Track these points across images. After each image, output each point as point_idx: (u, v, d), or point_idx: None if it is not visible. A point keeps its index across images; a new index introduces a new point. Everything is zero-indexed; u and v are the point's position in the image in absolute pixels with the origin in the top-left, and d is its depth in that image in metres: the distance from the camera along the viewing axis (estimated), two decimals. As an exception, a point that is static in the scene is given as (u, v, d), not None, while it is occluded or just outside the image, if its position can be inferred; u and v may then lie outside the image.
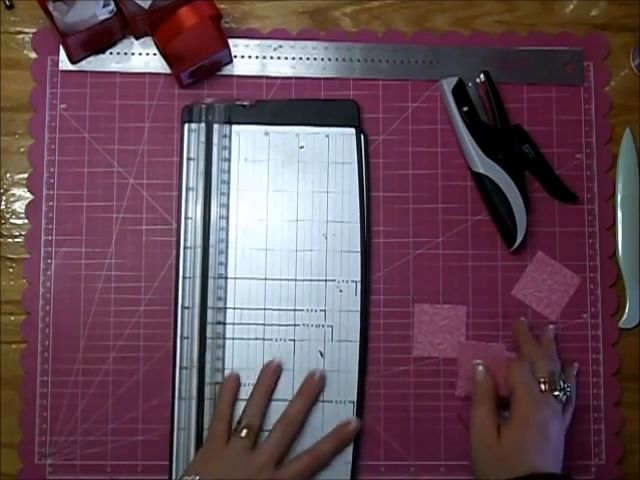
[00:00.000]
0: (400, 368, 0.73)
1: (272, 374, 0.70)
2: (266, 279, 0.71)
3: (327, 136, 0.73)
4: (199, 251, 0.71)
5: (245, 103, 0.70)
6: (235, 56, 0.75)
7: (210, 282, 0.71)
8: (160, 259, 0.73)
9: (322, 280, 0.71)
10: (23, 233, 0.73)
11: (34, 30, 0.75)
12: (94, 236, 0.73)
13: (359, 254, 0.72)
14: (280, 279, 0.71)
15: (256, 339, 0.70)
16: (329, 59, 0.76)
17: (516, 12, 0.78)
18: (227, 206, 0.72)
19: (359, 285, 0.71)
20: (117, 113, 0.74)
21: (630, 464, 0.73)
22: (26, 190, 0.74)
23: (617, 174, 0.76)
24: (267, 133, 0.72)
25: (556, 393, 0.66)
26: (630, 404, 0.74)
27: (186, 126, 0.73)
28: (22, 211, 0.74)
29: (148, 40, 0.74)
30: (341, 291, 0.71)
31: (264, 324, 0.71)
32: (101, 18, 0.69)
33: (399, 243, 0.74)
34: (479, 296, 0.74)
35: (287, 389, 0.70)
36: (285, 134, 0.73)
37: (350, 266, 0.72)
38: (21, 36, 0.75)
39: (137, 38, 0.75)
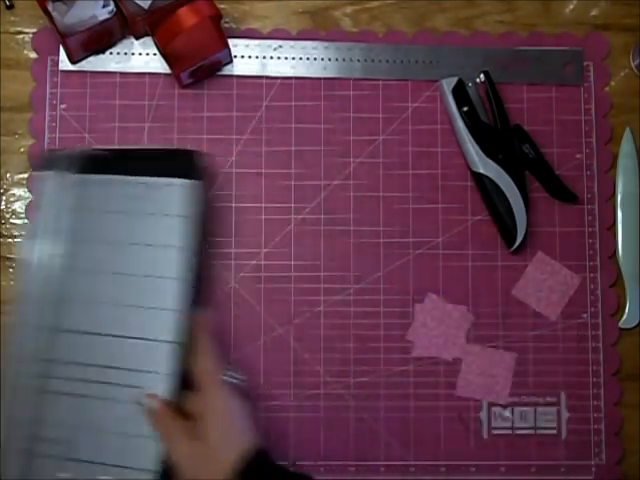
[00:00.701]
0: (400, 368, 0.73)
1: None
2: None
3: (164, 187, 0.66)
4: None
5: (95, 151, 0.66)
6: (235, 56, 0.75)
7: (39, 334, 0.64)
8: (160, 259, 0.73)
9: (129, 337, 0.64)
10: (23, 233, 0.73)
11: (34, 30, 0.75)
12: (94, 236, 0.73)
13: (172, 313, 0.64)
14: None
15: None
16: (329, 59, 0.76)
17: (516, 12, 0.78)
18: (65, 255, 0.65)
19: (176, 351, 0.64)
20: (117, 113, 0.74)
21: (630, 464, 0.73)
22: (26, 190, 0.74)
23: (617, 174, 0.76)
24: (109, 182, 0.66)
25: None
26: (630, 404, 0.74)
27: (39, 174, 0.67)
28: (22, 211, 0.74)
29: (148, 40, 0.74)
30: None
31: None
32: (101, 18, 0.69)
33: (399, 243, 0.74)
34: (479, 296, 0.74)
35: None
36: (125, 184, 0.66)
37: (162, 324, 0.64)
38: (21, 36, 0.76)
39: (137, 38, 0.75)
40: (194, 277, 0.65)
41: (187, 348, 0.63)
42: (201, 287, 0.68)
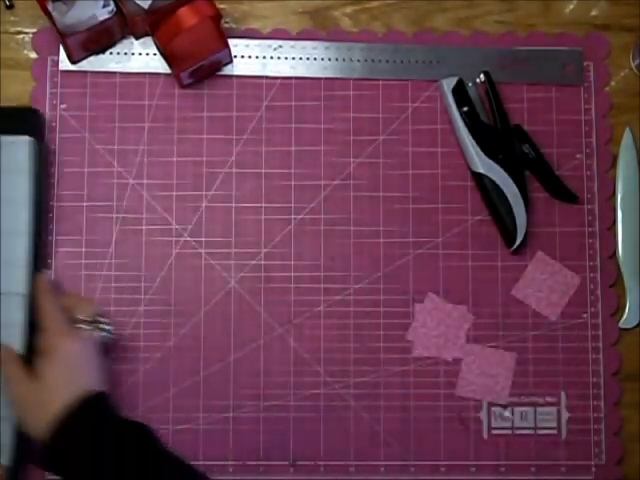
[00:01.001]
0: (400, 368, 0.73)
1: None
2: None
3: (8, 144, 0.69)
4: None
5: None
6: (235, 56, 0.75)
7: None
8: (160, 259, 0.73)
9: None
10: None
11: (34, 30, 0.75)
12: (94, 236, 0.73)
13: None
14: None
15: None
16: (329, 59, 0.76)
17: (516, 12, 0.78)
18: None
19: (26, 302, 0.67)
20: (117, 113, 0.74)
21: (630, 464, 0.73)
22: (26, 190, 0.74)
23: (617, 174, 0.76)
24: None
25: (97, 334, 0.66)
26: (630, 404, 0.74)
27: None
28: (22, 211, 0.74)
29: (148, 40, 0.74)
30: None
31: None
32: (101, 18, 0.69)
33: (399, 243, 0.74)
34: (479, 296, 0.74)
35: None
36: None
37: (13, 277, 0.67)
38: (21, 36, 0.76)
39: (137, 38, 0.75)
40: (38, 233, 0.69)
41: (34, 299, 0.67)
42: (41, 242, 0.71)
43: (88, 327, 0.66)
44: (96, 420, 0.61)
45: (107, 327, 0.68)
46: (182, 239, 0.73)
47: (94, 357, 0.65)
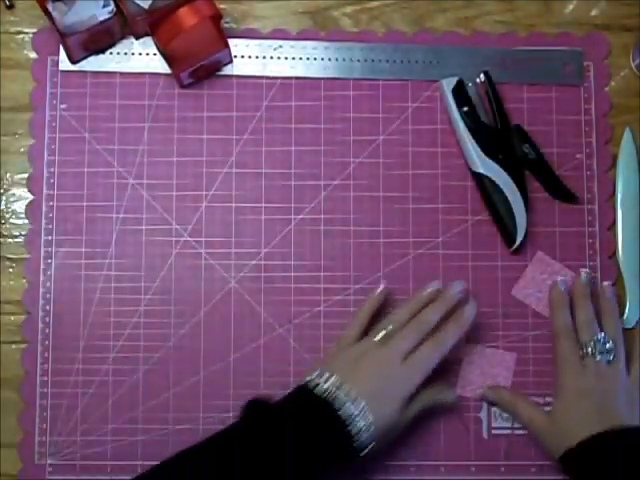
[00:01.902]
0: (400, 368, 0.73)
1: (429, 294, 0.69)
2: None
3: None
4: None
5: None
6: (235, 56, 0.75)
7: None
8: (160, 259, 0.73)
9: None
10: (23, 233, 0.73)
11: (34, 30, 0.75)
12: (94, 236, 0.73)
13: None
14: None
15: None
16: (329, 59, 0.76)
17: (516, 12, 0.78)
18: None
19: None
20: (117, 113, 0.74)
21: (630, 464, 0.73)
22: (26, 190, 0.74)
23: (617, 174, 0.76)
24: None
25: (597, 359, 0.68)
26: (630, 404, 0.74)
27: None
28: (22, 211, 0.74)
29: (148, 40, 0.74)
30: None
31: None
32: (101, 18, 0.69)
33: (399, 243, 0.74)
34: (479, 296, 0.74)
35: None
36: None
37: None
38: (21, 36, 0.76)
39: (137, 38, 0.75)
40: None
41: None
42: None
43: (586, 353, 0.68)
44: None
45: (604, 345, 0.68)
46: (182, 239, 0.73)
47: (599, 382, 0.67)
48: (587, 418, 0.66)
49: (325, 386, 0.62)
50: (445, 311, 0.68)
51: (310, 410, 0.61)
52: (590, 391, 0.67)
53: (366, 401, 0.61)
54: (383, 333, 0.66)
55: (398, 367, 0.64)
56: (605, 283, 0.73)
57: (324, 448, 0.60)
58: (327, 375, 0.62)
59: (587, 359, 0.68)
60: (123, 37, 0.74)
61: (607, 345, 0.68)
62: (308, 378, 0.63)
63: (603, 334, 0.68)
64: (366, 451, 0.62)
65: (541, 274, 0.74)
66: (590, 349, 0.68)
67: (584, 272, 0.72)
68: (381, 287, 0.71)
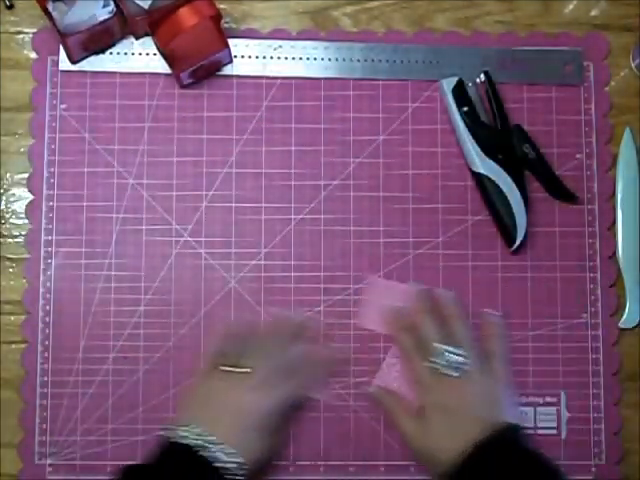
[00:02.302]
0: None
1: (291, 327, 0.71)
2: None
3: None
4: None
5: None
6: (235, 56, 0.75)
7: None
8: (160, 259, 0.73)
9: None
10: (23, 233, 0.73)
11: (34, 30, 0.75)
12: (94, 236, 0.73)
13: None
14: None
15: None
16: (329, 59, 0.76)
17: (516, 12, 0.78)
18: None
19: None
20: (117, 113, 0.74)
21: (630, 464, 0.73)
22: (26, 190, 0.74)
23: (617, 174, 0.76)
24: None
25: (450, 372, 0.67)
26: (630, 404, 0.74)
27: None
28: (22, 211, 0.74)
29: (148, 40, 0.74)
30: None
31: None
32: (101, 18, 0.69)
33: (399, 243, 0.74)
34: (479, 296, 0.74)
35: None
36: None
37: None
38: (21, 36, 0.76)
39: (137, 38, 0.75)
40: None
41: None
42: None
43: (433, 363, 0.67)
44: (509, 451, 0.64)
45: (453, 359, 0.67)
46: (182, 239, 0.73)
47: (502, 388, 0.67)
48: (455, 434, 0.64)
49: (192, 439, 0.62)
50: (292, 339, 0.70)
51: (184, 465, 0.62)
52: (452, 406, 0.66)
53: (235, 446, 0.62)
54: (230, 369, 0.67)
55: (245, 395, 0.65)
56: (444, 291, 0.72)
57: None
58: (192, 427, 0.63)
59: (440, 374, 0.67)
60: (123, 37, 0.74)
61: (457, 358, 0.67)
62: (176, 431, 0.63)
63: (451, 348, 0.67)
64: None
65: (378, 297, 0.73)
66: (442, 364, 0.67)
67: (415, 285, 0.72)
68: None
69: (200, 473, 0.61)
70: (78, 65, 0.74)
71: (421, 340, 0.69)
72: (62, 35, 0.69)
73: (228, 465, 0.62)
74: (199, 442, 0.62)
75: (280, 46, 0.76)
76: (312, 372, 0.71)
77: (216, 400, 0.65)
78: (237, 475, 0.62)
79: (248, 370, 0.66)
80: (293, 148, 0.75)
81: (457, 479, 0.63)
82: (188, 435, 0.62)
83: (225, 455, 0.62)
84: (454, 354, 0.67)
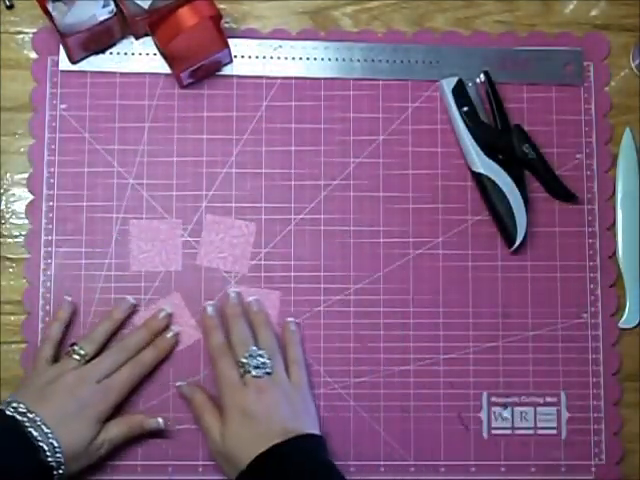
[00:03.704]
0: (400, 368, 0.73)
1: (123, 312, 0.71)
2: None
3: None
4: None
5: None
6: (235, 56, 0.75)
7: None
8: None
9: None
10: (23, 233, 0.73)
11: (34, 30, 0.75)
12: (94, 236, 0.73)
13: None
14: None
15: None
16: (329, 59, 0.76)
17: (516, 12, 0.78)
18: None
19: None
20: (117, 113, 0.74)
21: (630, 464, 0.73)
22: (26, 190, 0.74)
23: (617, 174, 0.76)
24: None
25: (253, 374, 0.66)
26: (630, 404, 0.74)
27: None
28: (22, 211, 0.74)
29: (148, 40, 0.74)
30: None
31: None
32: (101, 18, 0.69)
33: (399, 243, 0.74)
34: (479, 296, 0.74)
35: None
36: None
37: None
38: (21, 36, 0.76)
39: (137, 38, 0.75)
40: None
41: None
42: None
43: (243, 372, 0.67)
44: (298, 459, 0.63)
45: (258, 360, 0.67)
46: (182, 239, 0.73)
47: (260, 396, 0.66)
48: (254, 438, 0.64)
49: (10, 413, 0.62)
50: (148, 337, 0.70)
51: (6, 438, 0.62)
52: (253, 409, 0.65)
53: (53, 427, 0.62)
54: (77, 357, 0.67)
55: (92, 389, 0.66)
56: (251, 298, 0.72)
57: (16, 472, 0.61)
58: (15, 404, 0.63)
59: (246, 377, 0.66)
60: (123, 37, 0.74)
61: (262, 359, 0.67)
62: (5, 405, 0.63)
63: (255, 348, 0.67)
64: (60, 472, 0.63)
65: (216, 235, 0.73)
66: (246, 366, 0.66)
67: (232, 292, 0.72)
68: (66, 304, 0.71)
69: (19, 448, 0.61)
70: (78, 65, 0.74)
71: (231, 341, 0.69)
72: (62, 35, 0.69)
73: (43, 445, 0.62)
74: (19, 417, 0.62)
75: (280, 46, 0.76)
76: (145, 358, 0.70)
77: (57, 388, 0.65)
78: (51, 457, 0.62)
79: (81, 354, 0.67)
80: (293, 148, 0.75)
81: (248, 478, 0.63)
82: (12, 408, 0.63)
83: (40, 434, 0.62)
84: (262, 357, 0.67)
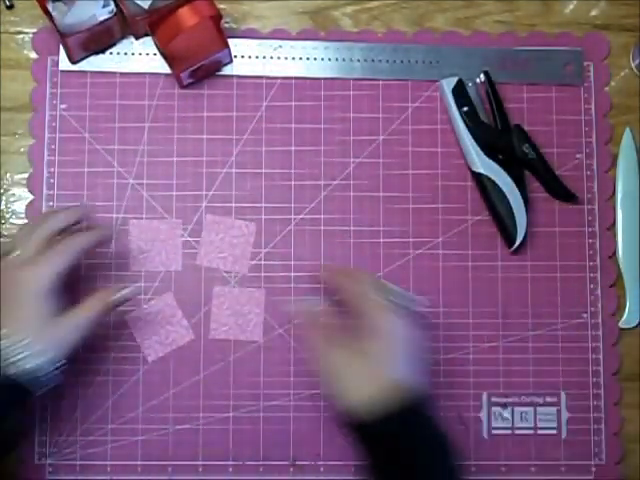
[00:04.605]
0: (400, 368, 0.73)
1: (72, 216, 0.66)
2: None
3: None
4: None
5: None
6: (235, 56, 0.75)
7: None
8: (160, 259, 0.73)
9: None
10: (23, 233, 0.73)
11: (34, 30, 0.75)
12: (94, 236, 0.73)
13: None
14: None
15: None
16: (329, 59, 0.76)
17: (516, 12, 0.78)
18: None
19: None
20: (117, 113, 0.74)
21: (630, 464, 0.73)
22: (26, 190, 0.74)
23: (617, 174, 0.76)
24: None
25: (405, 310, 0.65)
26: (630, 404, 0.74)
27: None
28: (22, 211, 0.74)
29: (148, 40, 0.74)
30: None
31: None
32: (101, 18, 0.69)
33: (399, 243, 0.74)
34: (479, 296, 0.74)
35: None
36: None
37: None
38: (21, 36, 0.76)
39: (137, 38, 0.75)
40: None
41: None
42: None
43: (399, 303, 0.64)
44: (418, 421, 0.61)
45: (409, 299, 0.66)
46: (182, 239, 0.73)
47: (414, 335, 0.63)
48: (408, 367, 0.62)
49: None
50: (65, 223, 0.65)
51: None
52: (410, 339, 0.62)
53: (22, 334, 0.59)
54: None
55: (18, 272, 0.61)
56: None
57: None
58: None
59: (397, 308, 0.64)
60: (123, 37, 0.74)
61: (411, 295, 0.66)
62: None
63: (401, 289, 0.66)
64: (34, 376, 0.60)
65: (216, 235, 0.73)
66: (399, 300, 0.64)
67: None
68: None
69: None
70: (78, 65, 0.74)
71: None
72: (62, 35, 0.69)
73: (20, 357, 0.59)
74: None
75: (280, 46, 0.76)
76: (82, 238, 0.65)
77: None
78: (11, 358, 0.59)
79: (17, 252, 0.63)
80: (293, 148, 0.75)
81: (371, 430, 0.60)
82: None
83: (18, 348, 0.59)
84: (407, 293, 0.66)
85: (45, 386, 0.61)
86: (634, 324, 0.75)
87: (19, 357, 0.59)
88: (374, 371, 0.62)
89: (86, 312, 0.63)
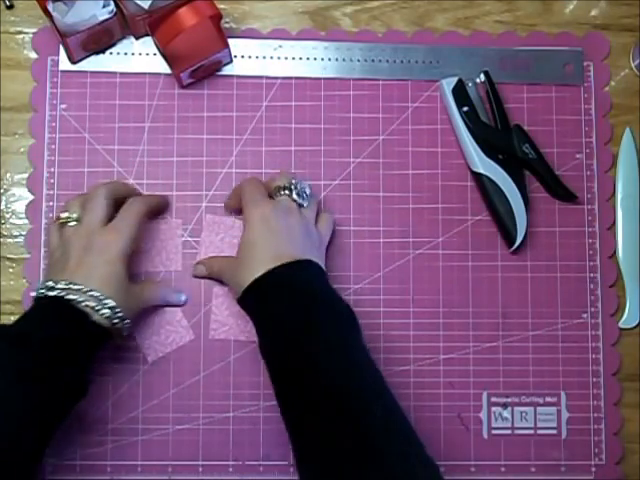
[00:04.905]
0: (400, 368, 0.73)
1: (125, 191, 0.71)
2: None
3: None
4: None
5: None
6: (235, 56, 0.75)
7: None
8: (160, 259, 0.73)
9: None
10: (23, 233, 0.73)
11: (34, 30, 0.75)
12: (94, 236, 0.73)
13: None
14: None
15: None
16: (329, 59, 0.76)
17: (516, 12, 0.78)
18: None
19: None
20: (117, 113, 0.74)
21: (630, 464, 0.73)
22: (26, 190, 0.74)
23: (617, 174, 0.76)
24: None
25: (294, 197, 0.67)
26: (630, 404, 0.74)
27: None
28: (22, 211, 0.74)
29: (148, 40, 0.74)
30: None
31: None
32: (101, 18, 0.69)
33: (399, 243, 0.74)
34: (479, 296, 0.74)
35: None
36: None
37: None
38: (21, 36, 0.76)
39: (137, 38, 0.75)
40: None
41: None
42: None
43: (283, 193, 0.67)
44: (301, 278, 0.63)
45: (303, 190, 0.68)
46: (182, 239, 0.73)
47: (286, 216, 0.65)
48: (270, 254, 0.63)
49: (59, 289, 0.62)
50: (125, 193, 0.70)
51: (55, 317, 0.61)
52: (276, 225, 0.65)
53: (85, 284, 0.62)
54: (74, 224, 0.66)
55: (101, 233, 0.65)
56: None
57: (66, 341, 0.61)
58: (51, 284, 0.62)
59: (280, 197, 0.67)
60: (123, 37, 0.74)
61: (307, 190, 0.68)
62: (43, 289, 0.63)
63: (303, 182, 0.68)
64: (117, 321, 0.63)
65: (216, 235, 0.73)
66: (291, 188, 0.67)
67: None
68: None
69: (71, 322, 0.61)
70: (78, 65, 0.74)
71: (272, 181, 0.69)
72: (62, 35, 0.69)
73: (101, 310, 0.62)
74: (64, 293, 0.61)
75: (280, 46, 0.76)
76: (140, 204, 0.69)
77: (71, 254, 0.64)
78: (112, 320, 0.63)
79: (74, 217, 0.66)
80: (293, 148, 0.75)
81: (249, 294, 0.63)
82: (55, 287, 0.62)
83: (80, 295, 0.62)
84: (307, 188, 0.68)
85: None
86: (634, 324, 0.75)
87: (103, 314, 0.63)
88: (254, 253, 0.64)
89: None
